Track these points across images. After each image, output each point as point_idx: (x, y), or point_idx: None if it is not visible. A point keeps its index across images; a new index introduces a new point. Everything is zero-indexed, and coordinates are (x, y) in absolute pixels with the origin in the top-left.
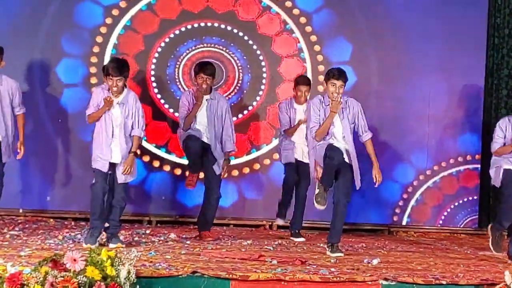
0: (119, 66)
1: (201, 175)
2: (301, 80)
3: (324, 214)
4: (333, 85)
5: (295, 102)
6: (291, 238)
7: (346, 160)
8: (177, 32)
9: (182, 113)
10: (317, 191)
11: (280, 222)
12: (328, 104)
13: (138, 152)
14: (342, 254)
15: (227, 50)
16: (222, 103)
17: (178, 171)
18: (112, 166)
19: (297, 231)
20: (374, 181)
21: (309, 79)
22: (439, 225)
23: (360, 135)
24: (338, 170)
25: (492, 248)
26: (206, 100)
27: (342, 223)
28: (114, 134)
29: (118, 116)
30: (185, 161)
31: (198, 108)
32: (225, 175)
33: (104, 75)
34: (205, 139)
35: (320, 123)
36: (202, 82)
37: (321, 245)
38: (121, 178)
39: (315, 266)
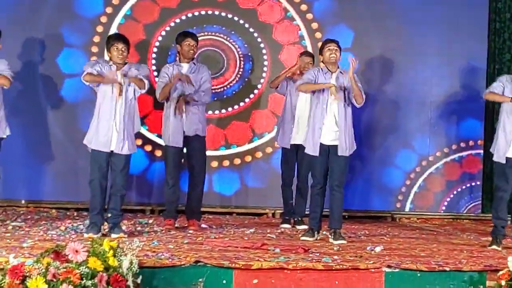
0: (123, 36)
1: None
2: (304, 53)
3: (328, 202)
4: (329, 49)
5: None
6: (294, 225)
7: (336, 143)
8: (177, 20)
9: (161, 84)
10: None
11: (286, 226)
12: (326, 72)
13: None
14: (345, 242)
15: (228, 38)
16: (204, 69)
17: None
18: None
19: (300, 219)
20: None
21: (312, 53)
22: (442, 211)
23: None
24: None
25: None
26: (190, 66)
27: (341, 208)
28: (117, 115)
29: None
30: None
31: (176, 80)
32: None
33: (107, 47)
34: (187, 129)
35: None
36: (190, 48)
37: (324, 232)
38: (125, 149)
39: (318, 254)
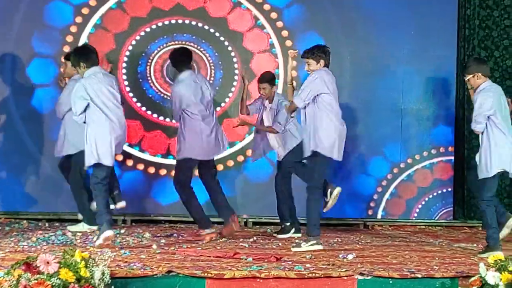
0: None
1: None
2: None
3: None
4: None
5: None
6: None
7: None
8: (147, 29)
9: None
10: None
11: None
12: None
13: None
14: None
15: (199, 47)
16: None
17: (151, 170)
18: None
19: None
20: None
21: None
22: (414, 218)
23: None
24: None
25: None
26: None
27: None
28: None
29: None
30: (159, 159)
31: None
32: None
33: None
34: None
35: None
36: None
37: (297, 241)
38: None
39: (290, 263)
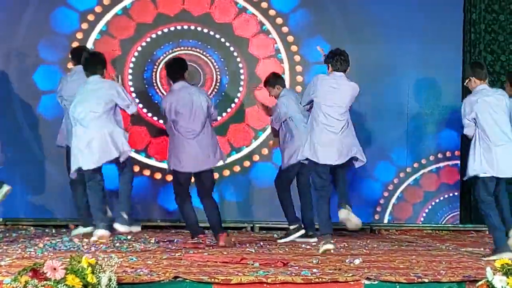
0: None
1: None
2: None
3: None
4: None
5: None
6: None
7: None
8: (153, 35)
9: None
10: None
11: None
12: None
13: None
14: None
15: (204, 53)
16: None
17: (158, 176)
18: None
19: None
20: None
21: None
22: (420, 223)
23: None
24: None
25: None
26: None
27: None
28: None
29: None
30: (165, 165)
31: None
32: None
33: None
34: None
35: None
36: None
37: (303, 246)
38: None
39: (297, 268)
